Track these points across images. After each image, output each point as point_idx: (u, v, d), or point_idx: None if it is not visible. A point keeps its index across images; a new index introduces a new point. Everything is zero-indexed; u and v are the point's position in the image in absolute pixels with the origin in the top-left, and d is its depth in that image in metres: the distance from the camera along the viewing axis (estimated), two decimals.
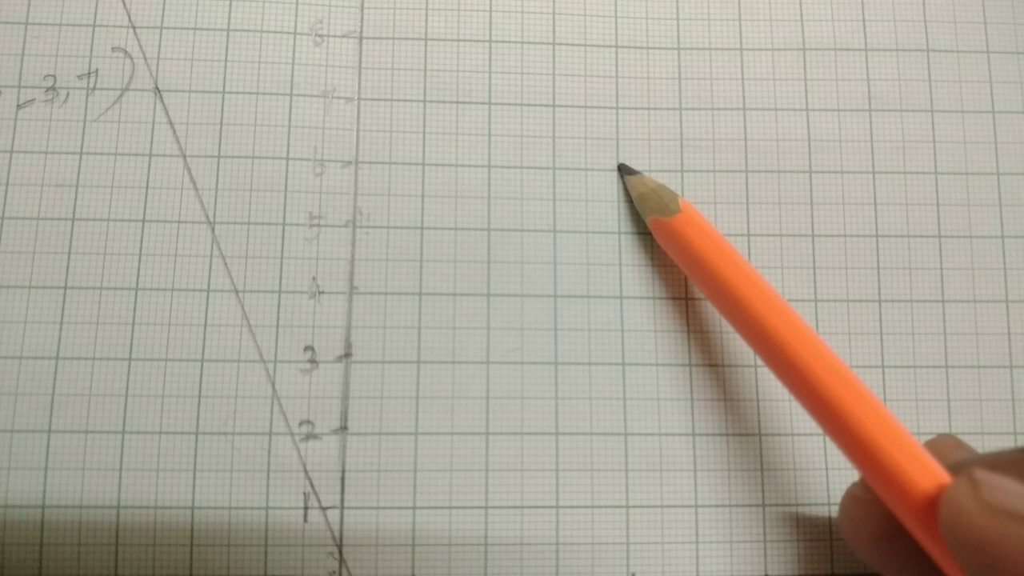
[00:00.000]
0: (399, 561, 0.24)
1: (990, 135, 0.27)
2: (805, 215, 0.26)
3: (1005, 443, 0.25)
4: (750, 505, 0.25)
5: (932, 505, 0.18)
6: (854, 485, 0.22)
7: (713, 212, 0.26)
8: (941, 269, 0.26)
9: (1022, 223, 0.27)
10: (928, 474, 0.19)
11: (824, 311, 0.26)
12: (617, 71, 0.27)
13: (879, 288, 0.26)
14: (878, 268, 0.26)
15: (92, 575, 0.23)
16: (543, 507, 0.25)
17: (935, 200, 0.27)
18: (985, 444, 0.25)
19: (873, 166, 0.27)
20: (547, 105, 0.27)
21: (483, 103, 0.27)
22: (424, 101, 0.27)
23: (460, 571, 0.24)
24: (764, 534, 0.25)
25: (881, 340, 0.26)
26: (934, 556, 0.19)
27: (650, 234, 0.26)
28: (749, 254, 0.26)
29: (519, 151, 0.26)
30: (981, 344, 0.26)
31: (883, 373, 0.26)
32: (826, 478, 0.25)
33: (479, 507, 0.24)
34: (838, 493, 0.25)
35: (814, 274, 0.26)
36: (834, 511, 0.25)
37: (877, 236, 0.26)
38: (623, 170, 0.26)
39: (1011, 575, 0.16)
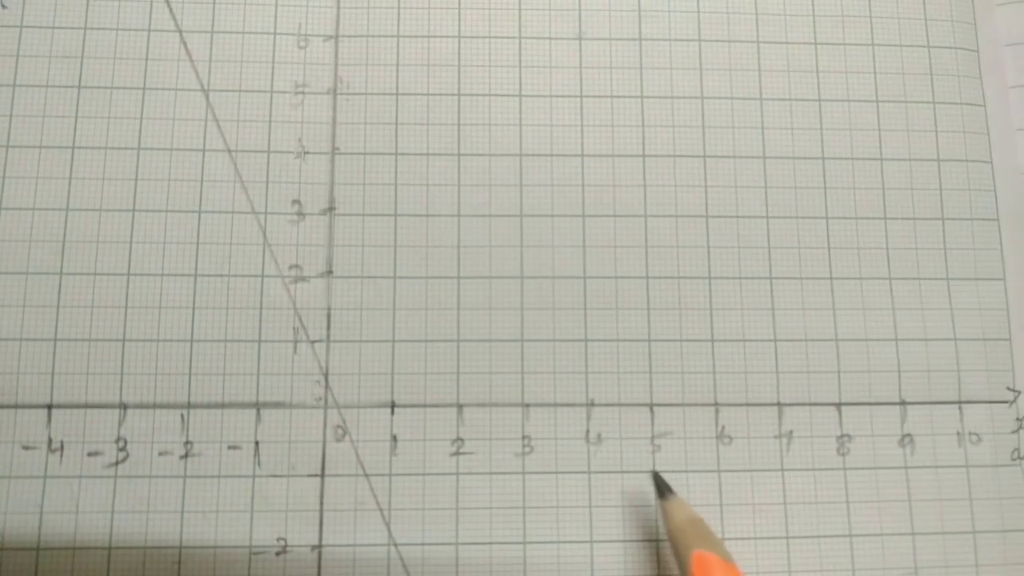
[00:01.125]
0: (379, 388, 0.27)
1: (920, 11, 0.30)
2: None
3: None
4: (699, 340, 0.28)
5: None
6: None
7: (669, 76, 0.30)
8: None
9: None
10: None
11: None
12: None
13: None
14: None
15: (100, 401, 0.27)
16: (509, 340, 0.28)
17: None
18: None
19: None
20: None
21: None
22: None
23: (435, 396, 0.27)
24: (714, 365, 0.28)
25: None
26: None
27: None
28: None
29: (487, 22, 0.30)
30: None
31: None
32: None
33: (451, 340, 0.28)
34: None
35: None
36: None
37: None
38: (659, 486, 0.27)
39: None
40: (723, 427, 0.28)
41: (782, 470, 0.27)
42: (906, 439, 0.28)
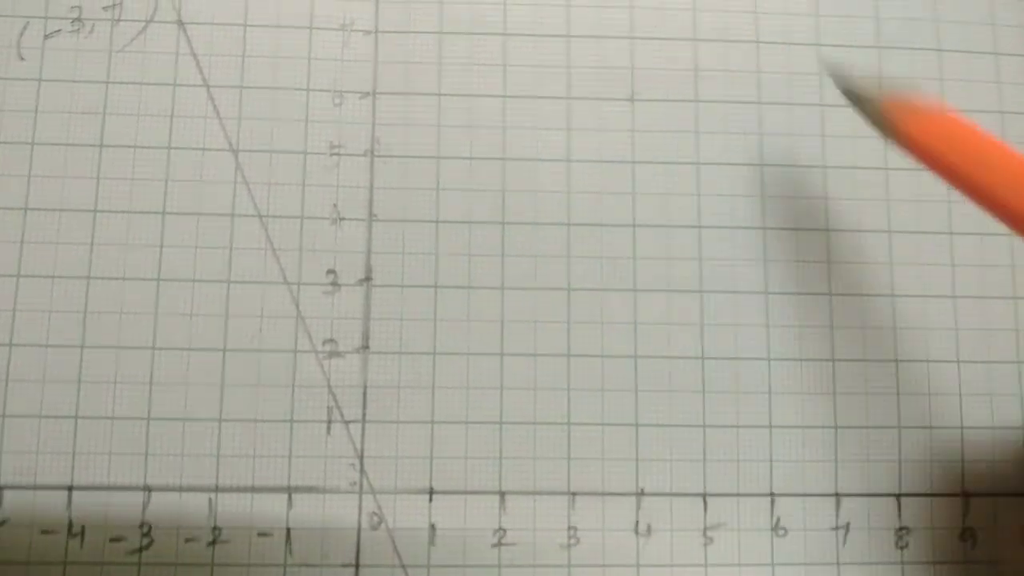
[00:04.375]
0: (417, 472, 0.29)
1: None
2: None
3: None
4: (757, 426, 0.30)
5: None
6: None
7: (725, 141, 0.31)
8: None
9: None
10: None
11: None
12: (631, 1, 0.32)
13: None
14: None
15: (123, 483, 0.28)
16: (555, 423, 0.29)
17: None
18: None
19: None
20: (562, 36, 0.32)
21: (498, 34, 0.31)
22: (440, 33, 0.32)
23: (476, 482, 0.29)
24: (771, 453, 0.30)
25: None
26: None
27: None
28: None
29: (534, 81, 0.31)
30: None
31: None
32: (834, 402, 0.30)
33: (494, 423, 0.29)
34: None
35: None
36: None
37: None
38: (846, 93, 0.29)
39: None
40: (778, 518, 0.29)
41: (838, 563, 0.29)
42: (967, 532, 0.30)
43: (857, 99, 0.28)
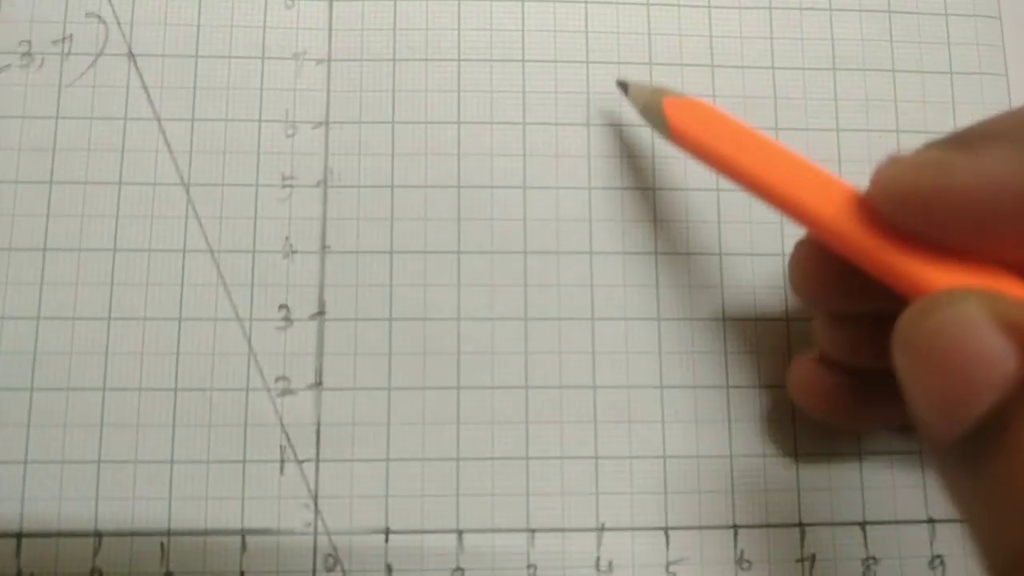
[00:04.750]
0: (373, 512, 0.29)
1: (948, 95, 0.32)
2: None
3: None
4: (717, 456, 0.29)
5: None
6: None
7: (684, 166, 0.31)
8: None
9: None
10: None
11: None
12: (587, 26, 0.32)
13: None
14: None
15: (73, 528, 0.28)
16: (513, 458, 0.29)
17: None
18: None
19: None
20: (517, 60, 0.31)
21: (452, 60, 0.31)
22: (393, 60, 0.31)
23: (433, 521, 0.29)
24: (732, 484, 0.29)
25: None
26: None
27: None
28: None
29: (488, 107, 0.31)
30: None
31: None
32: (794, 430, 0.30)
33: (451, 459, 0.29)
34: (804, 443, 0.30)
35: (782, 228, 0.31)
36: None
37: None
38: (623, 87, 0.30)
39: None
40: (742, 551, 0.29)
41: None
42: (936, 560, 0.29)
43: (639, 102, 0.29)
